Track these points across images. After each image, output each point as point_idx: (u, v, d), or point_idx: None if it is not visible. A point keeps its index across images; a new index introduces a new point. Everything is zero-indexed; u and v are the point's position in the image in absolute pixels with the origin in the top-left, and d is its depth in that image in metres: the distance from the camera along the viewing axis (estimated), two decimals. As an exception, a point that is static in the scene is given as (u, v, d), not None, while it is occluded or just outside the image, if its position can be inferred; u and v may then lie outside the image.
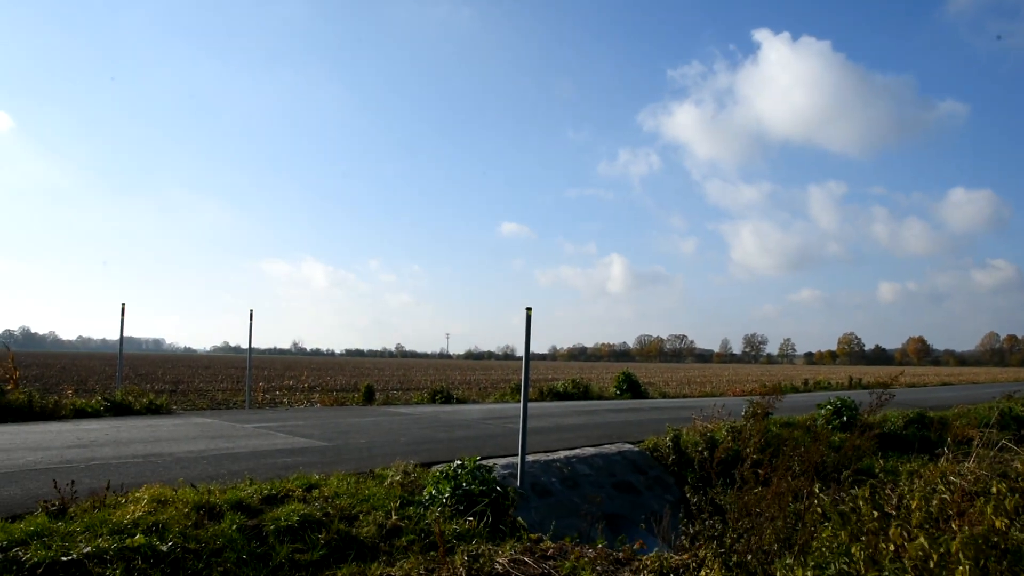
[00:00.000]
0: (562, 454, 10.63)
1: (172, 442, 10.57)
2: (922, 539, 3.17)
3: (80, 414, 13.93)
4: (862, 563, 3.25)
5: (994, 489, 3.48)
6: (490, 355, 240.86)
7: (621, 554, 6.40)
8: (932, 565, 3.28)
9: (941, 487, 4.47)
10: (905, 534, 3.37)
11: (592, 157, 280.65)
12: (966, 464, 8.64)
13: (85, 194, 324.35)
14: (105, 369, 49.94)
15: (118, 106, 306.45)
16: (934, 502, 4.27)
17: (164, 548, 5.42)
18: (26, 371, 40.27)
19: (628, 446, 11.77)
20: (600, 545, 6.55)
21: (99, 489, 6.54)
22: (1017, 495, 3.27)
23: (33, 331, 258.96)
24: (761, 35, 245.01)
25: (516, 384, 26.03)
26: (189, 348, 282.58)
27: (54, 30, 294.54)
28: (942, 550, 3.12)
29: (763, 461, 5.81)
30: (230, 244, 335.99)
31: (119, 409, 14.70)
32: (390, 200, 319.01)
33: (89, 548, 5.15)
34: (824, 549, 3.73)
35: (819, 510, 4.04)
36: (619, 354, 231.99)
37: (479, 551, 6.07)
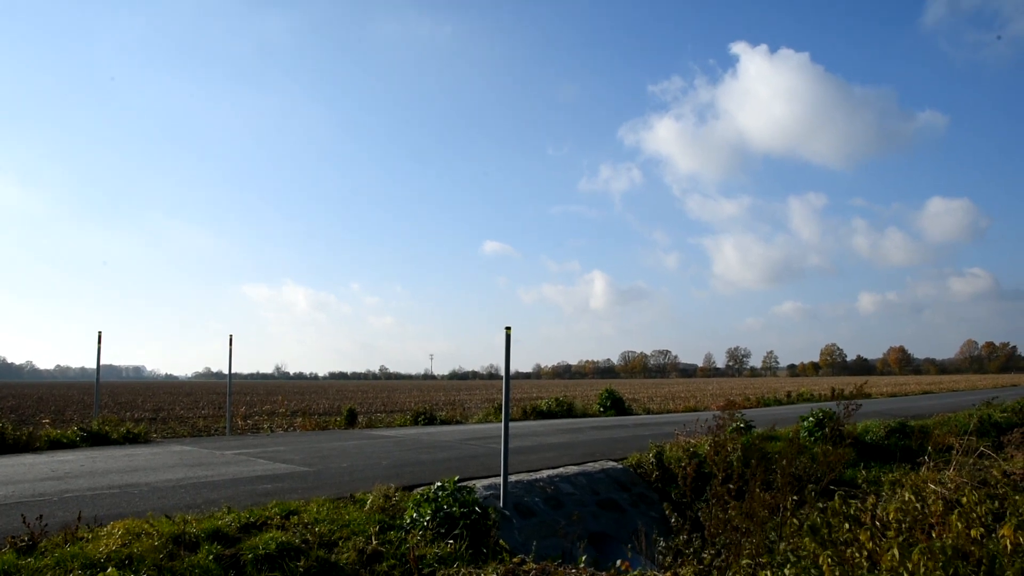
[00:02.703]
0: (545, 473, 10.56)
1: (149, 471, 10.40)
2: (895, 550, 3.15)
3: (55, 445, 13.70)
4: (835, 571, 3.23)
5: (964, 500, 3.47)
6: (474, 375, 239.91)
7: (604, 573, 6.35)
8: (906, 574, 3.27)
9: (911, 498, 4.46)
10: (880, 545, 3.36)
11: (573, 173, 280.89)
12: (946, 472, 8.69)
13: (62, 221, 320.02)
14: (83, 399, 49.25)
15: (95, 131, 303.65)
16: (915, 514, 4.27)
17: (137, 581, 5.31)
18: (1, 403, 39.68)
19: (612, 464, 11.72)
20: (583, 564, 6.49)
21: (71, 522, 6.41)
22: (991, 502, 3.28)
23: (9, 361, 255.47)
24: (738, 48, 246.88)
25: (500, 404, 25.91)
26: (170, 375, 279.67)
27: (26, 54, 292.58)
28: (919, 562, 3.11)
29: (740, 475, 5.79)
30: (210, 269, 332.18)
31: (96, 439, 14.47)
32: (371, 221, 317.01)
33: (59, 584, 5.04)
34: (803, 560, 3.71)
35: (795, 522, 4.03)
36: (603, 371, 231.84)
37: (460, 575, 6.00)
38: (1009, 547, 3.23)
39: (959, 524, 3.33)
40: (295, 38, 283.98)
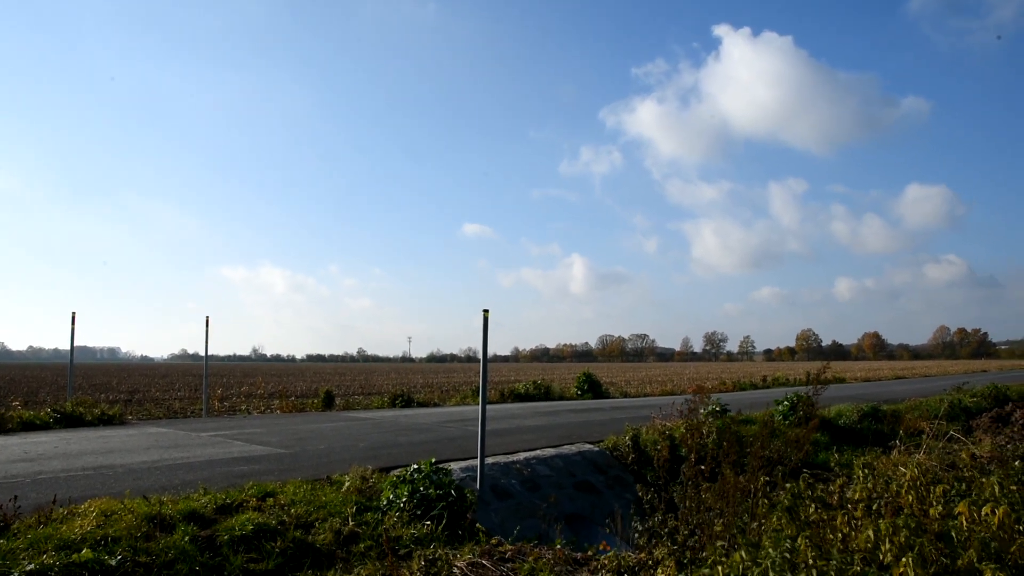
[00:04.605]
0: (522, 455, 10.63)
1: (124, 453, 10.34)
2: (870, 531, 3.23)
3: (28, 427, 13.57)
4: (808, 552, 3.31)
5: (920, 481, 3.56)
6: (453, 358, 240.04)
7: (579, 555, 6.42)
8: (880, 555, 3.36)
9: (880, 479, 4.55)
10: (852, 524, 3.44)
11: (554, 156, 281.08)
12: (916, 456, 8.86)
13: (36, 200, 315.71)
14: (57, 380, 48.69)
15: (71, 109, 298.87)
16: (886, 494, 4.36)
17: (112, 562, 5.30)
18: (-26, 384, 39.11)
19: (588, 446, 11.81)
20: (559, 546, 6.56)
21: (45, 504, 6.38)
22: (959, 484, 3.39)
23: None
24: (721, 30, 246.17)
25: (478, 386, 25.93)
26: (146, 356, 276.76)
27: (2, 33, 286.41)
28: (885, 537, 3.19)
29: (715, 458, 5.87)
30: (187, 250, 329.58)
31: (70, 420, 14.34)
32: (349, 203, 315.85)
33: (32, 565, 5.01)
34: (767, 540, 3.78)
35: (766, 502, 4.10)
36: (581, 354, 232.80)
37: (436, 555, 6.04)
38: (965, 523, 3.33)
39: (915, 503, 3.43)
40: (274, 18, 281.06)
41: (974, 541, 3.11)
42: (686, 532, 5.03)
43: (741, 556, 3.79)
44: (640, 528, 5.87)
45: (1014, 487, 4.35)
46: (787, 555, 3.26)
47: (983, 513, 3.39)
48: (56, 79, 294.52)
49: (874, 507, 4.09)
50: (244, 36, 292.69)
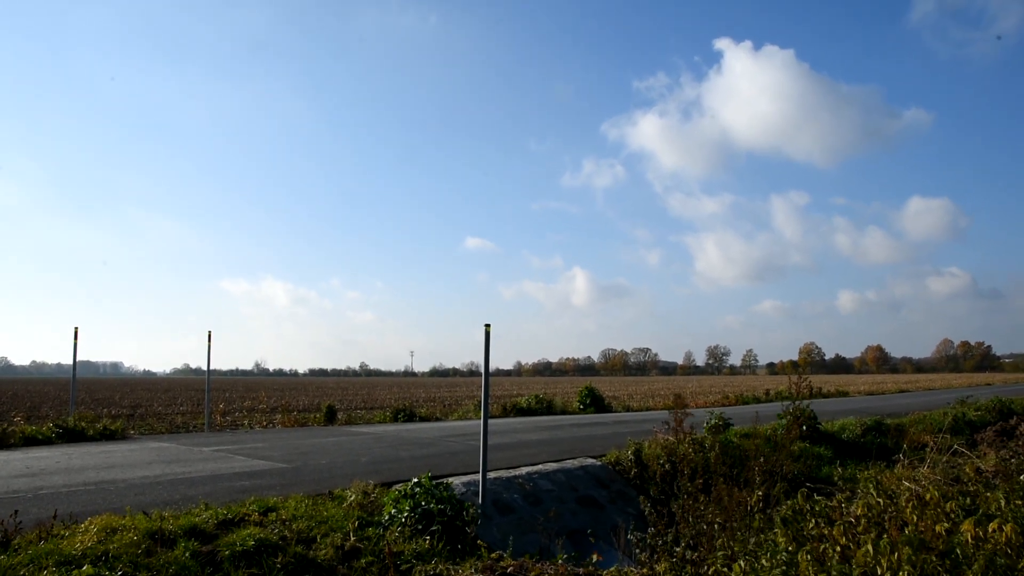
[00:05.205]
0: (524, 470, 10.60)
1: (126, 468, 10.33)
2: (868, 546, 3.22)
3: (30, 442, 13.56)
4: (809, 567, 3.29)
5: (929, 496, 3.54)
6: (455, 372, 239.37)
7: (582, 570, 6.39)
8: (880, 571, 3.34)
9: (883, 495, 4.53)
10: (852, 541, 3.42)
11: (556, 168, 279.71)
12: (920, 470, 8.81)
13: (37, 213, 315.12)
14: (59, 395, 48.67)
15: (70, 121, 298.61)
16: (891, 508, 4.34)
17: (113, 578, 5.28)
18: (-24, 399, 39.09)
19: (590, 461, 11.78)
20: (561, 561, 6.53)
21: (46, 519, 6.36)
22: (963, 499, 3.37)
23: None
24: (722, 44, 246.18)
25: (480, 401, 25.77)
26: (148, 371, 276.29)
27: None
28: (887, 553, 3.18)
29: (717, 472, 5.85)
30: (188, 263, 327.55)
31: (72, 435, 14.34)
32: (351, 216, 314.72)
33: (33, 580, 5.00)
34: (768, 553, 3.76)
35: (766, 518, 4.09)
36: (584, 368, 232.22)
37: (438, 571, 6.02)
38: (970, 540, 3.31)
39: (916, 519, 3.41)
40: (274, 30, 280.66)
41: (979, 558, 3.09)
42: (686, 546, 5.01)
43: (740, 566, 3.77)
44: (642, 542, 5.84)
45: (1020, 502, 4.33)
46: (784, 568, 3.24)
47: (990, 530, 3.37)
48: (57, 93, 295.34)
49: (876, 523, 4.07)
50: (243, 47, 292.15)
